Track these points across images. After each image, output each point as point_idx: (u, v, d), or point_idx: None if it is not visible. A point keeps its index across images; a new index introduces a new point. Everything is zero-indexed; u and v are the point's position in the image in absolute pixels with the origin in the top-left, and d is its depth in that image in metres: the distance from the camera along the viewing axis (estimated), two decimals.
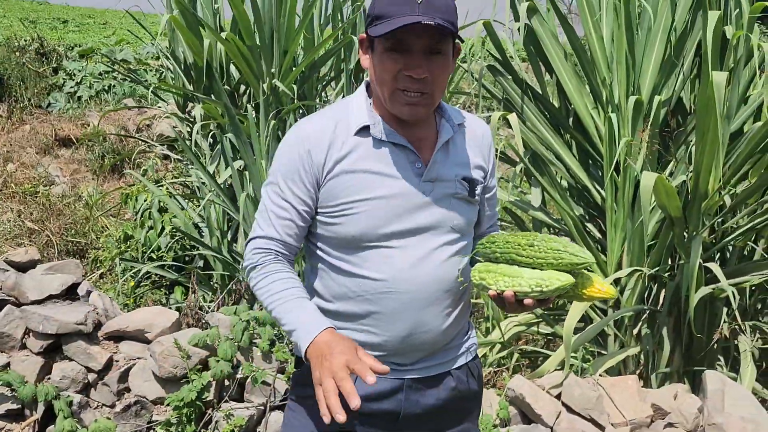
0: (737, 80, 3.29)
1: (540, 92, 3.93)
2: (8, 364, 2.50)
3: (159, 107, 8.80)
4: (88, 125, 8.91)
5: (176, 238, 4.79)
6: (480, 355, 3.68)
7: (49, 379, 2.50)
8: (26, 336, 2.54)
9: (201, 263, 4.45)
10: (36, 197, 7.11)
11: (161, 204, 5.11)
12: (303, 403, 1.50)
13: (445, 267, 1.46)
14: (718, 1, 3.47)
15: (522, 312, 1.45)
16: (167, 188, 4.83)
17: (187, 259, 4.83)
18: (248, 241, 1.50)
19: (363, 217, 1.41)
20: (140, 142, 7.69)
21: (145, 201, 5.30)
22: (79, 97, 10.21)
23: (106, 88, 10.51)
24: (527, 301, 1.34)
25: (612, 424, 2.74)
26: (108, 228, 6.18)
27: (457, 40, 1.41)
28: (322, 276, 1.49)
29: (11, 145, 8.42)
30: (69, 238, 5.97)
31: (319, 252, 1.49)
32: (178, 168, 6.34)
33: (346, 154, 1.42)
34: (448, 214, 1.46)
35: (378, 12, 1.35)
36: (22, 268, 2.68)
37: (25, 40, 11.21)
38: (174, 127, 8.19)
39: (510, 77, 3.91)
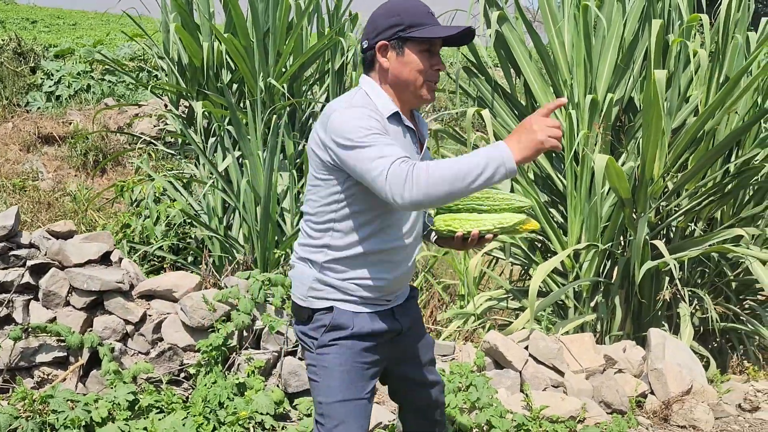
0: (677, 81, 3.81)
1: (509, 91, 4.42)
2: (54, 318, 2.86)
3: (139, 105, 9.09)
4: (70, 123, 9.16)
5: (172, 226, 5.14)
6: (455, 327, 4.15)
7: (91, 330, 2.85)
8: (69, 294, 2.90)
9: (195, 248, 4.82)
10: (25, 191, 7.37)
11: (156, 195, 5.47)
12: (338, 343, 1.83)
13: (421, 223, 1.96)
14: (662, 13, 4.00)
15: (479, 246, 1.87)
16: (166, 179, 5.18)
17: (180, 246, 5.18)
18: (388, 168, 1.57)
19: None
20: (123, 139, 7.99)
21: (140, 192, 5.64)
22: (58, 97, 10.39)
23: (85, 87, 10.70)
24: (488, 236, 1.79)
25: (571, 371, 3.22)
26: (97, 221, 6.48)
27: None
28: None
29: None
30: None
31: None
32: (169, 163, 6.67)
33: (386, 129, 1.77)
34: None
35: (411, 21, 1.74)
36: (62, 237, 3.04)
37: (2, 40, 11.34)
38: (155, 126, 8.53)
39: (483, 78, 4.39)
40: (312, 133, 1.79)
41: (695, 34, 4.28)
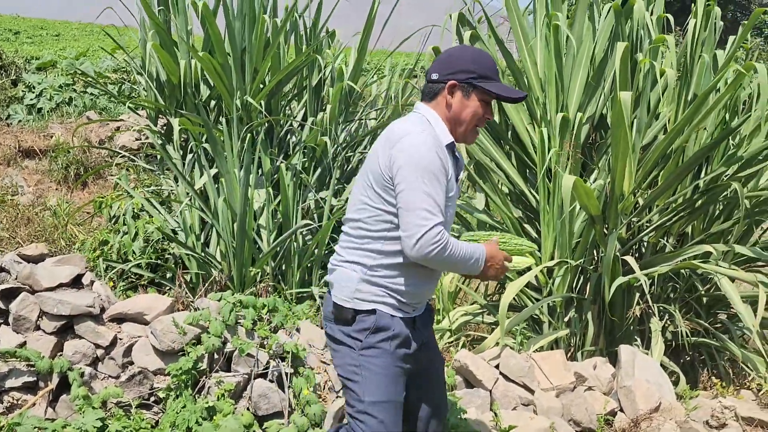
0: (646, 99, 3.87)
1: None
2: (24, 343, 2.86)
3: (122, 119, 9.07)
4: (51, 137, 9.12)
5: (150, 242, 5.14)
6: None
7: (61, 355, 2.86)
8: (40, 318, 2.91)
9: (172, 265, 4.82)
10: (3, 206, 7.32)
11: (134, 211, 5.46)
12: (381, 346, 2.00)
13: None
14: (631, 33, 4.06)
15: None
16: (144, 195, 5.18)
17: (159, 262, 5.18)
18: (430, 228, 1.88)
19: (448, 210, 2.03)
20: (104, 153, 7.97)
21: (119, 208, 5.63)
22: (40, 109, 10.35)
23: (67, 100, 10.67)
24: None
25: (541, 389, 3.25)
26: (77, 236, 6.45)
27: None
28: None
29: None
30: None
31: None
32: (149, 177, 6.66)
33: (447, 163, 1.99)
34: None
35: (484, 73, 2.00)
36: (33, 260, 3.05)
37: None
38: (136, 139, 8.51)
39: None
40: (378, 146, 2.01)
41: (664, 53, 4.36)
